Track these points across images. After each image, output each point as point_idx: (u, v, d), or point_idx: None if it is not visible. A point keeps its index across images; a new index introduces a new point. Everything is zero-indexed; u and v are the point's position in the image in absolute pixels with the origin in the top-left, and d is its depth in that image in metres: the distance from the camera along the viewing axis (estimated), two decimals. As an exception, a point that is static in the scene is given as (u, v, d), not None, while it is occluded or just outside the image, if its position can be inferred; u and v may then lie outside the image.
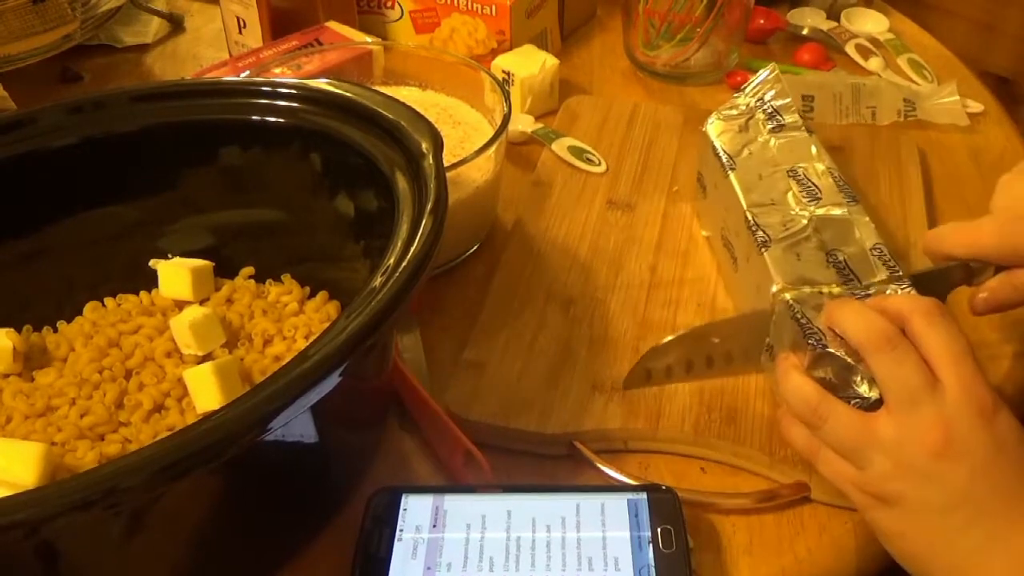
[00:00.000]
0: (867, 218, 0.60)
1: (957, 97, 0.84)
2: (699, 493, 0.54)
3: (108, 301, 0.61)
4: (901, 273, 0.56)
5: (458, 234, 0.69)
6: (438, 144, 0.53)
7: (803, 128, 0.67)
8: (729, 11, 0.86)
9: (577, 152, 0.79)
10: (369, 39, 0.85)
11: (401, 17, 0.93)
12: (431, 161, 0.52)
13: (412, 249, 0.46)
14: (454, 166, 0.64)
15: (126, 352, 0.57)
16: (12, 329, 0.57)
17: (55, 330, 0.60)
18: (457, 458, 0.55)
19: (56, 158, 0.59)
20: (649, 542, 0.49)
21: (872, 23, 0.98)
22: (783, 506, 0.54)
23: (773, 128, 0.66)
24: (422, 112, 0.56)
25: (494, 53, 0.89)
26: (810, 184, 0.62)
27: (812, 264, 0.57)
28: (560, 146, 0.79)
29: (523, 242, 0.71)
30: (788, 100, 0.68)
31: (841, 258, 0.57)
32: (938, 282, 0.57)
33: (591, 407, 0.58)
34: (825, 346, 0.51)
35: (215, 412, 0.39)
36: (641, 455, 0.57)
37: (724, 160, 0.65)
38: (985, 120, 0.86)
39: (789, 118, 0.67)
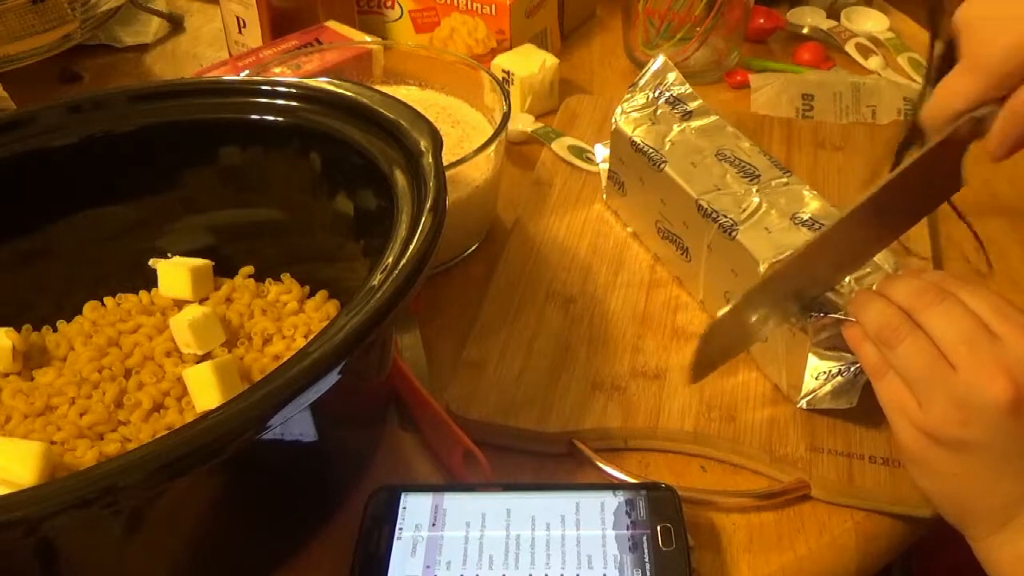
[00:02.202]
0: (807, 186, 0.61)
1: (957, 96, 0.84)
2: (699, 491, 0.54)
3: (108, 300, 0.61)
4: None
5: (457, 233, 0.69)
6: (437, 142, 0.53)
7: (710, 112, 0.68)
8: (729, 10, 0.86)
9: (577, 151, 0.79)
10: (369, 39, 0.85)
11: (401, 17, 0.93)
12: (430, 160, 0.52)
13: (411, 248, 0.46)
14: (453, 165, 0.64)
15: (126, 351, 0.57)
16: (12, 328, 0.57)
17: (55, 330, 0.60)
18: (457, 457, 0.55)
19: (55, 158, 0.59)
20: (649, 540, 0.49)
21: (872, 22, 0.98)
22: (783, 504, 0.54)
23: (682, 116, 0.67)
24: (421, 111, 0.56)
25: (494, 53, 0.89)
26: (744, 164, 0.63)
27: (783, 232, 0.58)
28: (560, 145, 0.79)
29: (523, 241, 0.71)
30: (686, 87, 0.69)
31: (806, 216, 0.58)
32: (951, 152, 0.52)
33: (591, 406, 0.58)
34: (828, 313, 0.53)
35: (214, 410, 0.39)
36: (640, 453, 0.57)
37: (652, 155, 0.65)
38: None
39: (693, 104, 0.68)
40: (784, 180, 0.62)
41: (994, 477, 0.46)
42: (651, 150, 0.65)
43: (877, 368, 0.50)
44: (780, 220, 0.59)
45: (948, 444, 0.47)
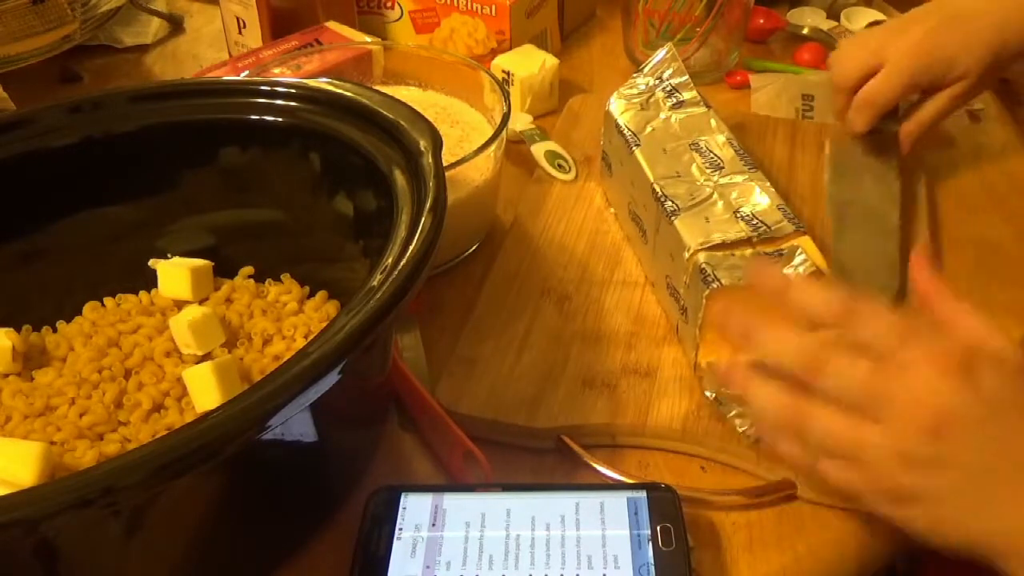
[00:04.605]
0: (768, 182, 0.62)
1: (957, 96, 0.84)
2: (699, 491, 0.54)
3: (108, 301, 0.61)
4: (805, 228, 0.58)
5: (457, 234, 0.69)
6: (437, 143, 0.53)
7: (701, 103, 0.69)
8: (729, 11, 0.86)
9: (552, 158, 0.78)
10: (369, 39, 0.85)
11: (401, 17, 0.94)
12: (430, 160, 0.52)
13: (411, 248, 0.46)
14: (453, 166, 0.64)
15: (125, 352, 0.57)
16: (12, 329, 0.57)
17: (55, 330, 0.60)
18: (457, 458, 0.55)
19: (56, 158, 0.59)
20: (648, 540, 0.49)
21: (872, 22, 0.98)
22: (774, 503, 0.54)
23: (673, 105, 0.69)
24: (421, 112, 0.56)
25: (494, 53, 0.89)
26: (712, 155, 0.65)
27: (721, 223, 0.59)
28: (539, 150, 0.79)
29: (521, 239, 0.71)
30: (685, 78, 0.71)
31: (748, 212, 0.59)
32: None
33: (581, 402, 0.58)
34: None
35: (213, 411, 0.39)
36: (640, 454, 0.57)
37: (628, 137, 0.67)
38: (985, 118, 0.86)
39: (687, 94, 0.70)
40: (744, 178, 0.63)
41: (980, 505, 0.44)
42: (629, 133, 0.67)
43: (807, 461, 0.48)
44: (723, 212, 0.60)
45: (911, 496, 0.45)
